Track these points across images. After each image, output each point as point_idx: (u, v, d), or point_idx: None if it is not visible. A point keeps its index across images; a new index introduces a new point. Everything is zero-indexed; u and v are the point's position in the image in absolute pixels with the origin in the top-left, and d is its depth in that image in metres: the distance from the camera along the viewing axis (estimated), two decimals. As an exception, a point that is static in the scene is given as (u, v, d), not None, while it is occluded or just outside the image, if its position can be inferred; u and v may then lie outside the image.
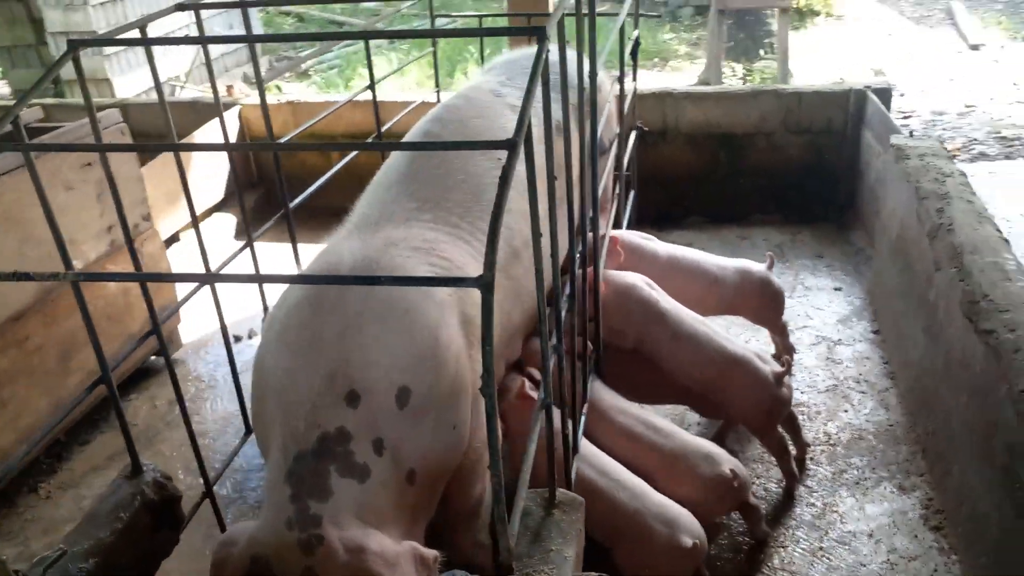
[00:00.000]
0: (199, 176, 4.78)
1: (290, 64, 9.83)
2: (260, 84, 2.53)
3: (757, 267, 3.18)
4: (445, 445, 1.86)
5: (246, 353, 3.71)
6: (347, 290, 1.84)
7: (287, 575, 1.55)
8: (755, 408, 2.65)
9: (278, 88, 8.81)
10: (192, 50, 8.41)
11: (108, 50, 7.61)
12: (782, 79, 7.69)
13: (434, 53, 4.00)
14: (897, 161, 3.41)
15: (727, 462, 2.36)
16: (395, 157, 2.34)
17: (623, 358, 2.75)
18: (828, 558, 2.50)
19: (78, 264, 3.15)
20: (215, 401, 3.47)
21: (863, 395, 3.20)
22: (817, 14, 10.85)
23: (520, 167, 2.33)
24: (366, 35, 2.03)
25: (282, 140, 3.63)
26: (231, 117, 5.12)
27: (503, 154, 1.35)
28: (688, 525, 2.15)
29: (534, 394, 2.27)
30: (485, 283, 1.17)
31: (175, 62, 8.37)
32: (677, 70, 9.25)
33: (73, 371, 3.11)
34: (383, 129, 3.43)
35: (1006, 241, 2.71)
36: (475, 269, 2.07)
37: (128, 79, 7.84)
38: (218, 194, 5.03)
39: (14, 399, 2.87)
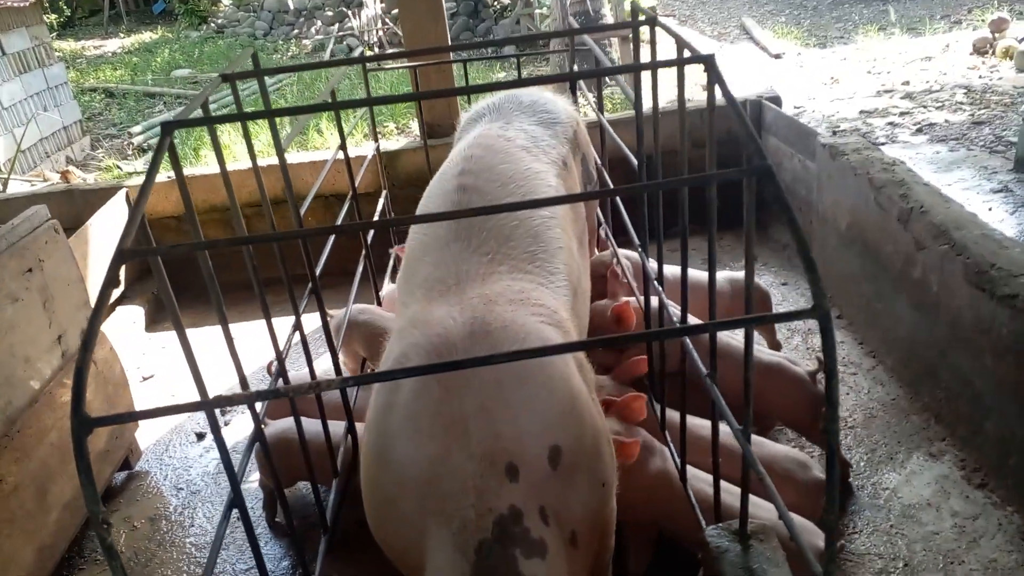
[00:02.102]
0: (99, 270, 4.31)
1: (123, 141, 9.11)
2: (280, 150, 2.33)
3: (742, 274, 3.31)
4: (599, 501, 1.79)
5: (206, 458, 3.37)
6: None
7: None
8: (797, 408, 2.74)
9: (117, 168, 8.13)
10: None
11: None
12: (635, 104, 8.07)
13: (371, 111, 3.87)
14: (834, 158, 3.69)
15: (816, 466, 2.42)
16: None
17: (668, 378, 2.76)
18: (903, 534, 2.61)
19: (35, 384, 2.73)
20: (207, 507, 3.10)
21: (855, 376, 3.40)
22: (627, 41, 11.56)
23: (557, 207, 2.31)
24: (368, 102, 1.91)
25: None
26: (119, 200, 4.65)
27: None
28: (817, 531, 2.18)
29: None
30: (824, 313, 1.13)
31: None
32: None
33: (51, 507, 2.68)
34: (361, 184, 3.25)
35: (974, 215, 3.00)
36: (565, 312, 2.02)
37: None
38: (119, 288, 4.54)
39: None
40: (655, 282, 2.38)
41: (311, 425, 2.69)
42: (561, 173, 2.48)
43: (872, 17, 11.77)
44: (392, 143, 5.05)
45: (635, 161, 2.48)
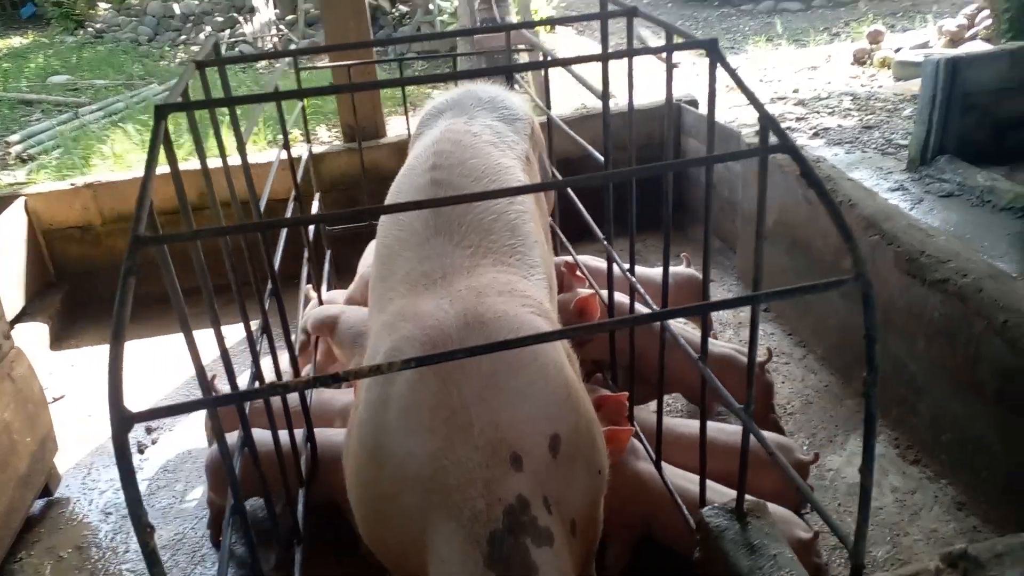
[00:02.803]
0: (3, 281, 3.99)
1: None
2: (241, 143, 2.22)
3: (681, 268, 3.40)
4: (595, 489, 1.82)
5: (151, 461, 3.19)
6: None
7: None
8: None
9: (-3, 178, 7.57)
10: None
11: None
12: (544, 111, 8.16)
13: (303, 108, 3.76)
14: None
15: (799, 449, 2.49)
16: (407, 212, 2.18)
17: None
18: (850, 511, 2.73)
19: (-49, 406, 2.50)
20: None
21: (788, 366, 3.54)
22: (529, 51, 11.67)
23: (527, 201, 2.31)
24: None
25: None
26: (17, 210, 4.33)
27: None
28: (795, 520, 2.24)
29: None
30: (867, 280, 1.17)
31: None
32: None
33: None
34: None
35: (898, 207, 3.18)
36: (548, 303, 2.03)
37: None
38: (18, 303, 4.21)
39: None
40: (628, 274, 2.40)
41: (265, 435, 2.58)
42: (526, 168, 2.49)
43: (759, 29, 12.34)
44: (315, 147, 4.91)
45: (599, 156, 2.50)
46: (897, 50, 9.40)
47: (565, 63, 1.94)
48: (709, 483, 2.32)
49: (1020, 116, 5.28)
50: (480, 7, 8.39)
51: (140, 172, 4.67)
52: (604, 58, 2.08)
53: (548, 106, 2.97)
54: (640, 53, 1.97)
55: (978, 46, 8.23)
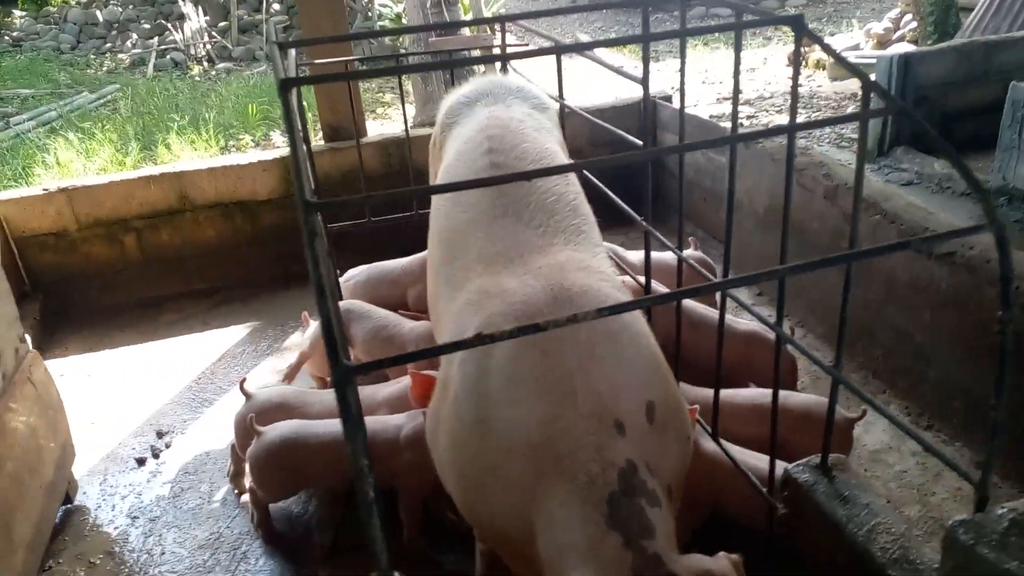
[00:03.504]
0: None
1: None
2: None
3: (691, 252, 3.51)
4: (685, 455, 1.89)
5: (156, 482, 3.09)
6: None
7: None
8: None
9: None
10: None
11: None
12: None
13: (300, 94, 3.71)
14: (747, 147, 3.98)
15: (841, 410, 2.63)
16: (470, 195, 2.22)
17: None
18: (876, 475, 2.87)
19: (-19, 410, 2.39)
20: (174, 532, 2.82)
21: (790, 346, 3.67)
22: (478, 60, 11.74)
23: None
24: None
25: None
26: (-12, 216, 4.15)
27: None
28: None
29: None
30: (1000, 225, 1.26)
31: None
32: (386, 118, 9.42)
33: (17, 547, 2.35)
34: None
35: (895, 188, 3.36)
36: (616, 278, 2.09)
37: None
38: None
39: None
40: (676, 251, 2.47)
41: (312, 428, 2.56)
42: (563, 153, 2.55)
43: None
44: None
45: (636, 141, 2.57)
46: (830, 52, 9.82)
47: (601, 46, 2.00)
48: (753, 453, 2.41)
49: (965, 108, 5.63)
50: (432, 11, 8.41)
51: (113, 176, 4.54)
52: (645, 39, 2.16)
53: (561, 95, 3.02)
54: (715, 31, 2.04)
55: (905, 48, 8.71)
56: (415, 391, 2.25)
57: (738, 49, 1.98)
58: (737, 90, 2.19)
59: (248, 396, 2.75)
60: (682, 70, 2.44)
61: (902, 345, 3.18)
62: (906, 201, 3.18)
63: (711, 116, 7.97)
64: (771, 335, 2.94)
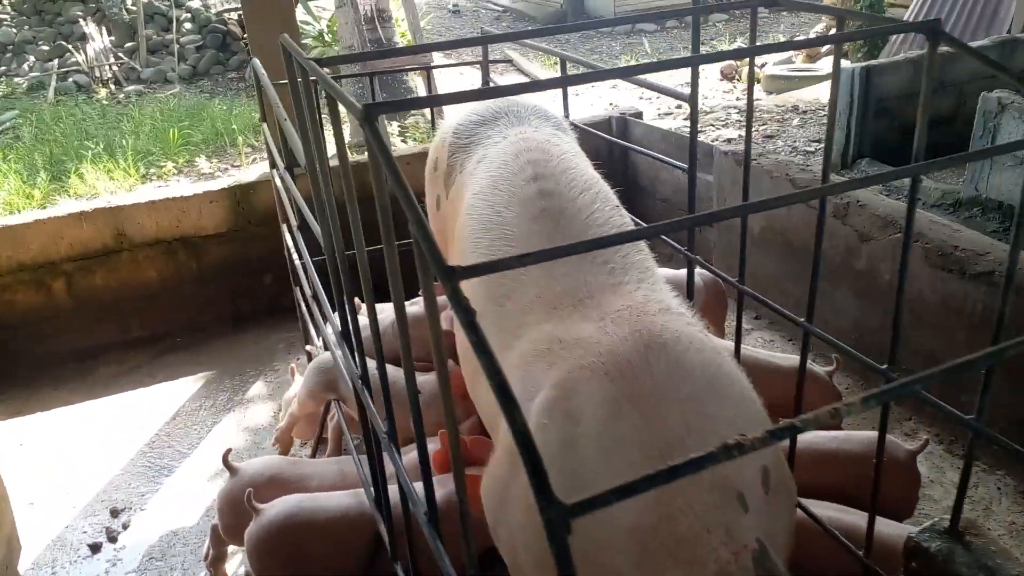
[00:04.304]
0: None
1: None
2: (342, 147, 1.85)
3: (703, 273, 3.31)
4: (792, 522, 1.65)
5: (116, 573, 2.66)
6: (658, 376, 1.51)
7: None
8: (823, 403, 2.75)
9: None
10: None
11: None
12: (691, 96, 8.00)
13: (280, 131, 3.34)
14: (739, 164, 3.79)
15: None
16: (519, 227, 1.94)
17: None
18: (926, 514, 2.67)
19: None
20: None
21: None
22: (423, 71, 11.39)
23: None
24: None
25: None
26: None
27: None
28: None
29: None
30: None
31: None
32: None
33: None
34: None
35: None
36: (689, 317, 1.84)
37: None
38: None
39: None
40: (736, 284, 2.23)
41: (318, 502, 2.19)
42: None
43: (625, 49, 12.70)
44: (246, 173, 4.44)
45: (681, 166, 2.33)
46: (762, 66, 9.92)
47: (647, 71, 1.74)
48: (829, 504, 2.19)
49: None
50: (366, 27, 8.06)
51: (39, 214, 4.04)
52: (694, 62, 1.91)
53: (567, 114, 2.76)
54: (816, 43, 1.80)
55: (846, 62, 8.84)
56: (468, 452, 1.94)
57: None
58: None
59: (233, 470, 2.36)
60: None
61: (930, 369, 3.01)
62: (928, 219, 3.03)
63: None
64: (818, 370, 2.72)
